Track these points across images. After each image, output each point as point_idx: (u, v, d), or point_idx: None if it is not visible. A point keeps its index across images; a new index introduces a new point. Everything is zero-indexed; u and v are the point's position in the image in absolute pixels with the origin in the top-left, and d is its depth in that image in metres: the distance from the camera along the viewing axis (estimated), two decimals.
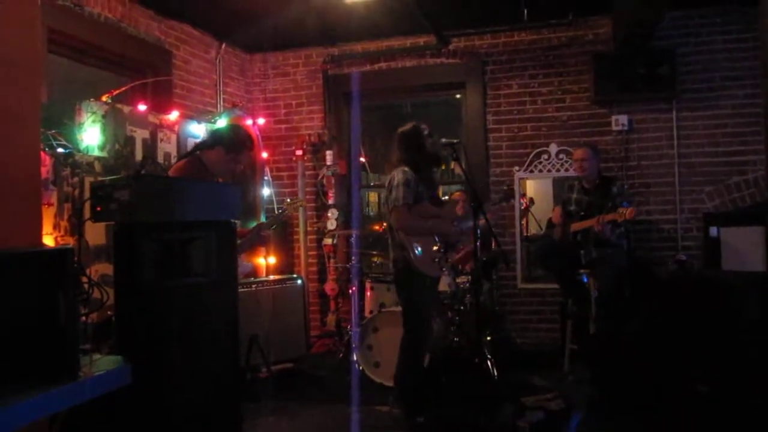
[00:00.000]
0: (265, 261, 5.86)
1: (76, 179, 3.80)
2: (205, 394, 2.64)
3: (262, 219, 5.87)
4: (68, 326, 1.98)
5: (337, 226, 6.23)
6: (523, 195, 6.22)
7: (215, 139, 3.58)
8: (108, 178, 2.69)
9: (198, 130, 5.13)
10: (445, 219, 3.97)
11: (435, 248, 3.84)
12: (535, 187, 6.73)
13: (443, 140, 3.87)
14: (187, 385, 2.55)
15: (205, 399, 2.64)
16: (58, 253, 2.04)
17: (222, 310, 2.74)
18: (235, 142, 3.59)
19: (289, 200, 4.68)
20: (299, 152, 6.35)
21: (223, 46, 6.19)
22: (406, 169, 3.89)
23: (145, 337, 2.46)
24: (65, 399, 1.91)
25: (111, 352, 2.41)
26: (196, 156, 3.56)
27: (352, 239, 5.74)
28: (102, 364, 2.17)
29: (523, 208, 6.12)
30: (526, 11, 5.58)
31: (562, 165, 5.92)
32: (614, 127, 5.77)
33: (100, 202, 2.51)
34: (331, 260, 6.29)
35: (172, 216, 2.52)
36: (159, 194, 2.50)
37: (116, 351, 2.44)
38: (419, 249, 3.77)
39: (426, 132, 3.94)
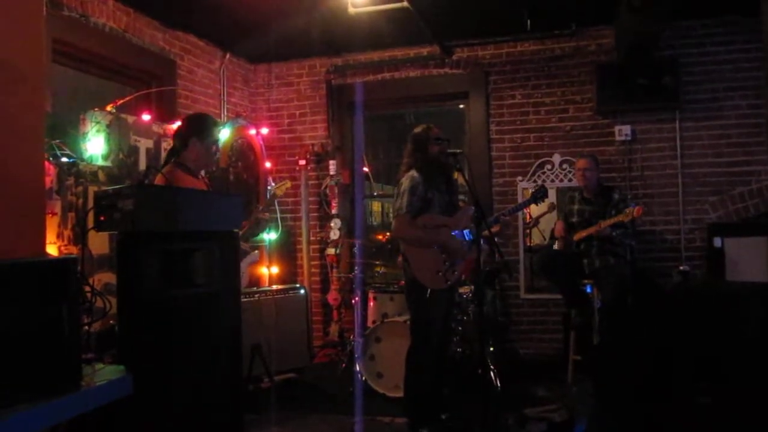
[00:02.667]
0: (268, 270, 5.85)
1: (80, 189, 3.81)
2: (207, 405, 2.64)
3: (265, 230, 5.86)
4: (71, 336, 1.98)
5: (340, 235, 6.22)
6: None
7: (184, 136, 3.42)
8: (111, 187, 2.68)
9: None
10: (454, 228, 3.90)
11: (439, 260, 3.80)
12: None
13: (447, 150, 3.86)
14: (189, 395, 2.55)
15: (207, 409, 2.64)
16: (61, 263, 2.04)
17: (224, 321, 2.74)
18: (203, 126, 3.46)
19: (274, 184, 4.62)
20: (302, 162, 6.35)
21: (228, 56, 6.22)
22: (415, 174, 3.85)
23: (147, 346, 2.46)
24: (67, 409, 1.90)
25: (113, 362, 2.42)
26: (175, 162, 3.41)
27: (356, 249, 5.74)
28: (104, 374, 2.17)
29: (527, 221, 6.10)
30: (529, 21, 5.59)
31: (565, 175, 5.91)
32: (617, 138, 5.77)
33: (104, 212, 2.51)
34: (334, 270, 6.28)
35: (175, 226, 2.52)
36: (162, 204, 2.50)
37: (118, 360, 2.44)
38: (418, 260, 3.75)
39: (435, 136, 3.90)
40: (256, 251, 4.29)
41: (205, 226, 2.67)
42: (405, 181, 3.84)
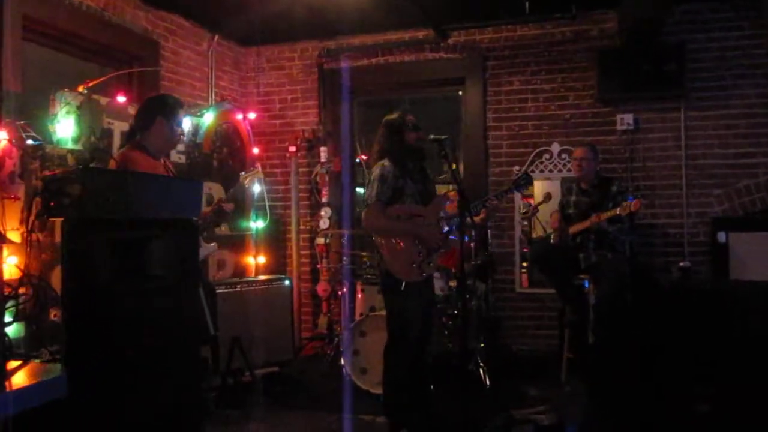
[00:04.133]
0: (255, 260, 5.67)
1: (46, 173, 3.62)
2: (164, 405, 2.46)
3: (252, 218, 5.69)
4: None
5: (330, 225, 6.03)
6: (530, 196, 5.87)
7: (148, 115, 3.29)
8: (60, 171, 2.51)
9: (185, 124, 4.92)
10: (428, 219, 3.71)
11: (413, 251, 3.60)
12: (541, 189, 6.42)
13: (431, 136, 3.65)
14: (143, 395, 2.37)
15: (164, 409, 2.46)
16: None
17: (183, 315, 2.56)
18: (170, 105, 3.34)
19: (244, 173, 4.46)
20: (293, 148, 6.16)
21: (216, 38, 6.00)
22: (386, 163, 3.67)
23: (97, 343, 2.28)
24: None
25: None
26: (134, 143, 3.26)
27: (344, 239, 5.54)
28: (36, 373, 2.00)
29: (523, 212, 5.86)
30: (527, 4, 5.34)
31: (564, 165, 5.69)
32: (619, 127, 5.54)
33: (54, 197, 2.34)
34: (324, 260, 6.09)
35: (127, 212, 2.34)
36: (113, 189, 2.31)
37: (64, 358, 2.27)
38: (391, 251, 3.56)
39: (410, 123, 3.70)
40: (214, 243, 4.09)
41: (162, 214, 2.48)
42: (375, 170, 3.67)
